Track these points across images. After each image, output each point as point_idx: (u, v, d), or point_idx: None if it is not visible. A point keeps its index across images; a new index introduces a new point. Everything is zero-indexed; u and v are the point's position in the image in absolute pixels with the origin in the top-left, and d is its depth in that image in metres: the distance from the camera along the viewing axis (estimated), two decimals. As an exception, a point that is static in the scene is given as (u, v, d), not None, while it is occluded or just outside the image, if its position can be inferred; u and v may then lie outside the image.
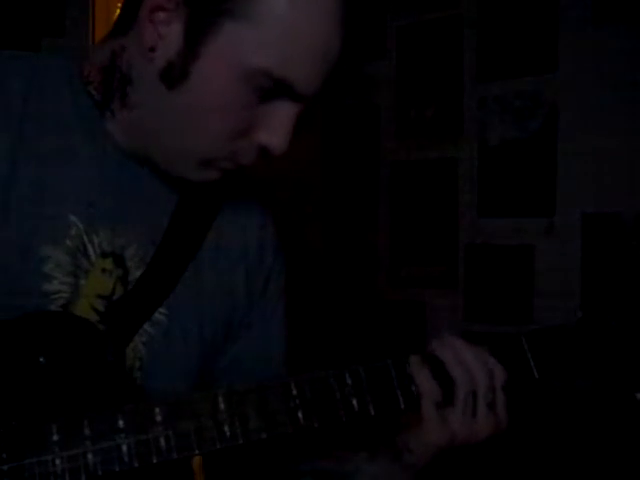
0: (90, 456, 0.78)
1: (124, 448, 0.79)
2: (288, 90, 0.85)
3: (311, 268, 2.90)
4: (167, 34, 0.85)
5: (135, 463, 0.79)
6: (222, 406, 0.83)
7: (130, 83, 0.89)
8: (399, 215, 2.82)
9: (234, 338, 1.03)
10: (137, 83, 0.89)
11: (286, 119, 0.87)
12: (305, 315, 2.74)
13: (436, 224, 2.72)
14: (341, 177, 2.96)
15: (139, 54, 0.87)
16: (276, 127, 0.87)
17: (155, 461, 0.80)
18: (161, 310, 0.94)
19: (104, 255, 0.91)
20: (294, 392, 0.86)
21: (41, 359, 0.82)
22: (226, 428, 0.83)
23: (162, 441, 0.80)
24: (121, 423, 0.80)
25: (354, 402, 0.89)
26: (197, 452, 0.82)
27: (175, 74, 0.85)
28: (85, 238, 0.90)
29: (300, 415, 0.86)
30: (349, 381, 0.89)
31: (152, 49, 0.86)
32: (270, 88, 0.85)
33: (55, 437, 0.78)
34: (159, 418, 0.81)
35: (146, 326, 0.93)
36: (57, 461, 0.78)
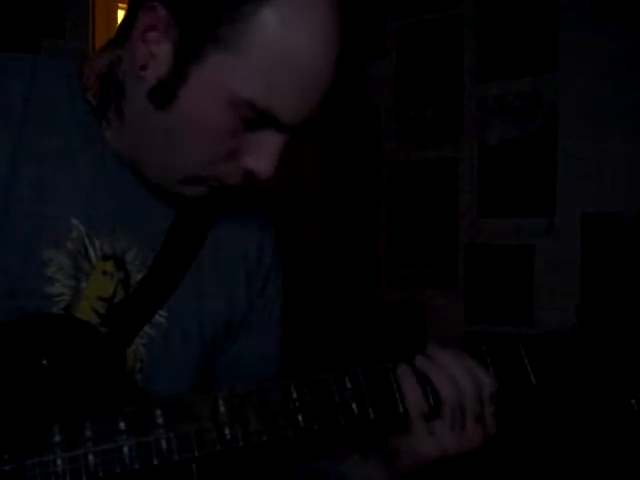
0: (91, 457, 0.78)
1: (125, 450, 0.79)
2: (273, 121, 0.85)
3: (311, 268, 2.90)
4: (158, 53, 0.85)
5: (136, 465, 0.79)
6: (222, 408, 0.83)
7: (123, 96, 0.90)
8: (399, 215, 2.82)
9: (234, 338, 1.03)
10: (130, 98, 0.89)
11: (272, 148, 0.87)
12: (305, 316, 2.74)
13: (436, 224, 2.72)
14: (341, 177, 2.96)
15: (132, 70, 0.87)
16: (261, 155, 0.87)
17: (156, 463, 0.80)
18: (161, 312, 0.94)
19: (105, 258, 0.91)
20: (294, 395, 0.86)
21: (43, 361, 0.82)
22: (226, 430, 0.83)
23: (163, 443, 0.81)
24: (122, 425, 0.80)
25: (354, 406, 0.89)
26: (197, 454, 0.82)
27: (163, 95, 0.85)
28: (86, 241, 0.90)
29: (300, 418, 0.86)
30: (349, 385, 0.89)
31: (143, 67, 0.86)
32: (256, 119, 0.84)
33: (57, 438, 0.78)
34: (160, 420, 0.81)
35: (146, 328, 0.93)
36: (58, 462, 0.78)
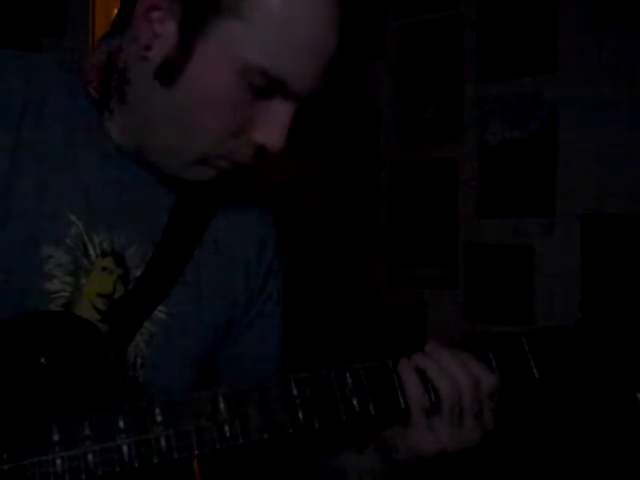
0: (90, 456, 0.78)
1: (124, 448, 0.79)
2: (282, 88, 0.85)
3: (311, 268, 2.90)
4: (162, 32, 0.85)
5: (135, 463, 0.79)
6: (222, 406, 0.83)
7: (127, 82, 0.90)
8: (399, 215, 2.82)
9: (234, 336, 1.03)
10: (134, 82, 0.89)
11: (282, 117, 0.87)
12: (305, 315, 2.74)
13: (436, 224, 2.72)
14: (341, 177, 2.96)
15: (135, 53, 0.87)
16: (272, 125, 0.87)
17: (155, 461, 0.80)
18: (161, 308, 0.94)
19: (104, 254, 0.91)
20: (294, 392, 0.86)
21: (42, 359, 0.82)
22: (226, 428, 0.83)
23: (162, 441, 0.80)
24: (121, 423, 0.80)
25: (354, 402, 0.89)
26: (197, 452, 0.82)
27: (170, 72, 0.85)
28: (85, 237, 0.90)
29: (300, 415, 0.86)
30: (349, 381, 0.89)
31: (148, 48, 0.86)
32: (264, 86, 0.84)
33: (56, 437, 0.78)
34: (159, 418, 0.81)
35: (147, 324, 0.93)
36: (58, 461, 0.78)
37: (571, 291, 2.38)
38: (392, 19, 2.82)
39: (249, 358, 1.04)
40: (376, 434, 0.95)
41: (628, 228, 2.32)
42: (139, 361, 0.92)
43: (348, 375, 0.89)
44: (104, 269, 0.91)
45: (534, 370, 0.95)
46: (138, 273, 0.92)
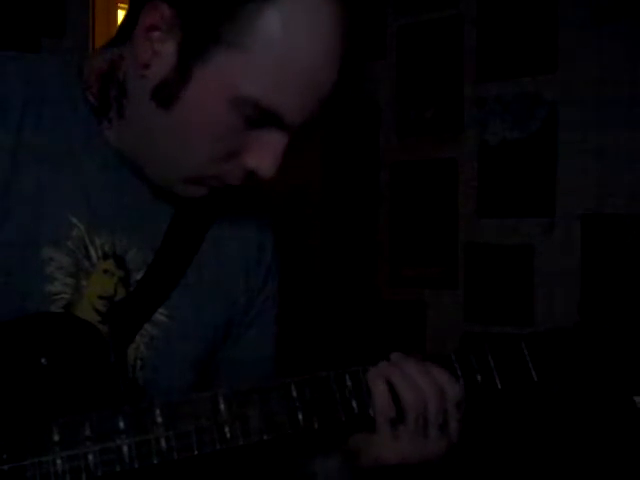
0: (90, 457, 0.78)
1: (125, 449, 0.79)
2: (276, 120, 0.85)
3: (311, 268, 2.90)
4: (161, 52, 0.85)
5: (135, 464, 0.79)
6: (222, 407, 0.83)
7: (125, 95, 0.90)
8: (399, 215, 2.82)
9: (234, 337, 1.03)
10: (132, 97, 0.89)
11: (275, 147, 0.87)
12: (305, 315, 2.74)
13: (436, 224, 2.72)
14: (341, 177, 2.96)
15: (134, 70, 0.87)
16: (264, 154, 0.87)
17: (155, 462, 0.80)
18: (162, 311, 0.94)
19: (105, 257, 0.91)
20: (294, 393, 0.86)
21: (42, 360, 0.82)
22: (226, 429, 0.83)
23: (162, 442, 0.81)
24: (122, 424, 0.80)
25: (354, 404, 0.89)
26: (197, 453, 0.82)
27: (167, 94, 0.85)
28: (87, 240, 0.90)
29: (300, 416, 0.86)
30: (349, 382, 0.89)
31: (146, 66, 0.86)
32: (259, 117, 0.84)
33: (56, 437, 0.78)
34: (159, 419, 0.81)
35: (147, 326, 0.93)
36: (58, 461, 0.78)
37: (571, 291, 2.38)
38: (392, 19, 2.82)
39: (248, 359, 1.04)
40: (344, 439, 0.95)
41: (628, 228, 2.32)
42: (139, 363, 0.92)
43: (348, 377, 0.89)
44: (105, 271, 0.91)
45: (533, 373, 0.95)
46: (139, 276, 0.93)
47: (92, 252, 0.90)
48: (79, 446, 0.78)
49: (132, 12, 0.89)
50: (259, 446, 0.85)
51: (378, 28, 2.84)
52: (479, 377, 0.94)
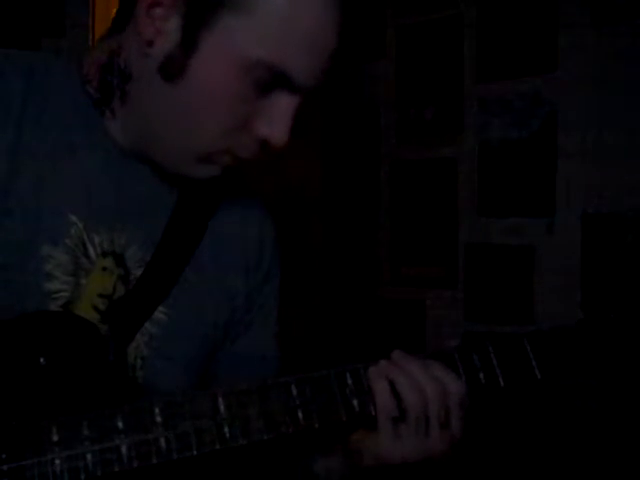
0: (89, 456, 0.78)
1: (124, 449, 0.79)
2: (287, 82, 0.85)
3: (311, 267, 2.90)
4: (165, 29, 0.85)
5: (135, 464, 0.79)
6: (222, 407, 0.83)
7: (129, 80, 0.90)
8: (399, 215, 2.81)
9: (234, 337, 1.03)
10: (136, 79, 0.89)
11: (286, 111, 0.87)
12: (305, 314, 2.74)
13: (436, 224, 2.72)
14: (341, 177, 2.96)
15: (137, 50, 0.87)
16: (276, 119, 0.87)
17: (155, 462, 0.80)
18: (162, 309, 0.94)
19: (104, 254, 0.91)
20: (294, 392, 0.86)
21: (41, 359, 0.82)
22: (226, 429, 0.83)
23: (162, 442, 0.80)
24: (121, 424, 0.80)
25: (354, 402, 0.89)
26: (196, 453, 0.82)
27: (174, 68, 0.85)
28: (85, 237, 0.90)
29: (300, 415, 0.86)
30: (350, 381, 0.89)
31: (150, 44, 0.86)
32: (268, 80, 0.85)
33: (55, 437, 0.78)
34: (159, 419, 0.81)
35: (147, 325, 0.93)
36: (57, 461, 0.78)
37: (571, 291, 2.38)
38: (392, 19, 2.82)
39: (249, 359, 1.04)
40: (344, 437, 0.95)
41: (628, 228, 2.31)
42: (139, 362, 0.92)
43: (348, 375, 0.89)
44: (104, 269, 0.91)
45: (536, 371, 0.95)
46: (138, 273, 0.92)
47: (91, 250, 0.90)
48: (78, 446, 0.78)
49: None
50: (259, 446, 0.85)
51: (378, 28, 2.84)
52: (482, 375, 0.94)
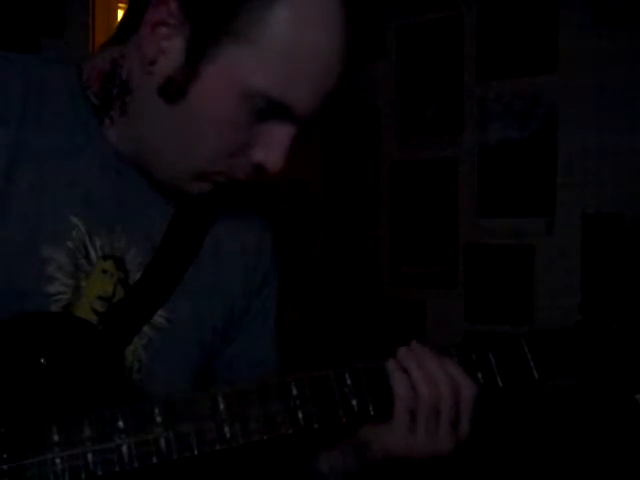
0: (90, 456, 0.78)
1: (124, 449, 0.79)
2: (286, 112, 0.85)
3: (311, 267, 2.90)
4: (168, 49, 0.84)
5: (135, 464, 0.79)
6: (222, 407, 0.83)
7: (129, 93, 0.89)
8: (399, 215, 2.82)
9: (232, 340, 1.03)
10: (136, 93, 0.89)
11: (283, 139, 0.87)
12: (306, 314, 2.74)
13: (436, 224, 2.72)
14: (341, 177, 2.96)
15: (139, 65, 0.87)
16: (273, 146, 0.87)
17: (155, 462, 0.80)
18: (161, 313, 0.94)
19: (105, 257, 0.91)
20: (294, 392, 0.86)
21: (42, 360, 0.82)
22: (226, 429, 0.83)
23: (162, 442, 0.80)
24: (121, 424, 0.80)
25: (354, 402, 0.89)
26: (197, 453, 0.82)
27: (174, 90, 0.85)
28: (86, 240, 0.89)
29: (300, 416, 0.86)
30: (349, 381, 0.89)
31: (152, 62, 0.85)
32: (268, 110, 0.84)
33: (55, 437, 0.78)
34: (159, 419, 0.81)
35: (146, 329, 0.92)
36: (57, 461, 0.78)
37: (571, 291, 2.38)
38: (392, 19, 2.82)
39: (246, 364, 1.03)
40: (351, 431, 0.95)
41: (628, 228, 2.32)
42: (136, 365, 0.92)
43: (347, 376, 0.89)
44: (105, 272, 0.91)
45: (534, 371, 0.95)
46: (138, 277, 0.92)
47: (92, 252, 0.90)
48: (79, 446, 0.78)
49: (133, 9, 0.89)
50: (262, 445, 0.85)
51: (378, 28, 2.84)
52: (480, 375, 0.94)
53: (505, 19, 2.57)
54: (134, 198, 0.93)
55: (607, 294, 2.29)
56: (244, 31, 0.81)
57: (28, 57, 0.95)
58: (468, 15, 2.64)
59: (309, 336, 2.76)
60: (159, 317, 0.93)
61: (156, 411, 0.81)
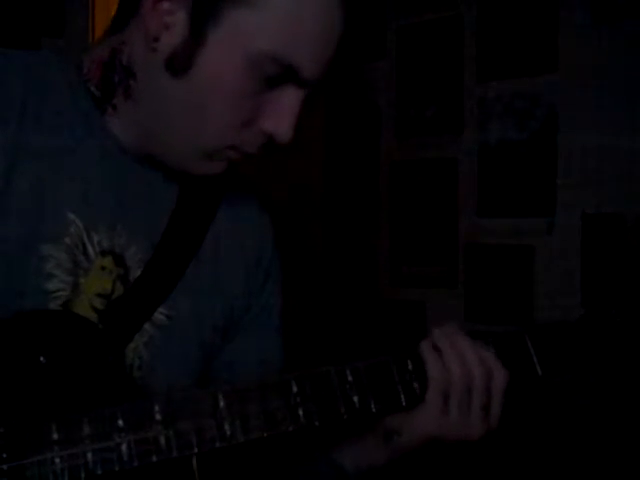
0: (90, 455, 0.78)
1: (124, 447, 0.79)
2: (293, 75, 0.85)
3: (312, 268, 2.90)
4: (172, 23, 0.85)
5: (135, 462, 0.79)
6: (222, 404, 0.83)
7: (133, 76, 0.89)
8: (399, 215, 2.82)
9: (232, 338, 1.03)
10: (141, 75, 0.89)
11: (292, 105, 0.87)
12: (306, 314, 2.74)
13: (436, 224, 2.72)
14: (341, 177, 2.96)
15: (142, 45, 0.87)
16: (282, 114, 0.87)
17: (155, 460, 0.80)
18: (161, 310, 0.93)
19: (103, 253, 0.90)
20: (295, 389, 0.86)
21: (41, 358, 0.81)
22: (226, 427, 0.82)
23: (162, 440, 0.80)
24: (121, 422, 0.80)
25: (355, 399, 0.89)
26: (197, 451, 0.82)
27: (180, 62, 0.85)
28: (84, 236, 0.89)
29: (301, 413, 0.85)
30: (350, 378, 0.89)
31: (156, 39, 0.85)
32: (275, 74, 0.85)
33: (55, 436, 0.78)
34: (159, 417, 0.81)
35: (146, 326, 0.92)
36: (57, 460, 0.77)
37: (571, 291, 2.38)
38: (392, 19, 2.82)
39: (247, 359, 1.03)
40: (375, 421, 0.95)
41: (628, 228, 2.32)
42: (137, 362, 0.92)
43: (348, 372, 0.89)
44: (103, 269, 0.90)
45: (537, 367, 0.95)
46: (138, 273, 0.92)
47: (90, 249, 0.90)
48: (78, 444, 0.78)
49: None
50: (261, 443, 0.85)
51: (378, 28, 2.84)
52: None
53: (505, 19, 2.56)
54: (135, 193, 0.93)
55: (607, 294, 2.29)
56: None
57: (27, 54, 0.95)
58: (468, 15, 2.64)
59: (309, 336, 2.76)
60: (159, 314, 0.93)
61: (156, 409, 0.81)
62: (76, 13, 2.35)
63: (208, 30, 0.83)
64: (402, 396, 0.91)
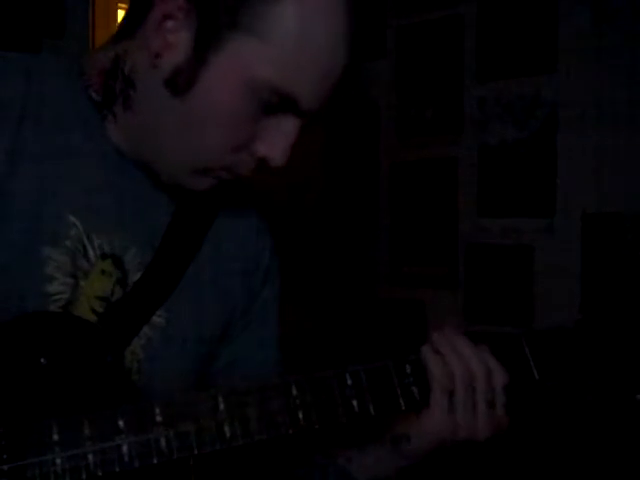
0: (90, 456, 0.78)
1: (124, 448, 0.79)
2: (292, 105, 0.85)
3: (311, 267, 2.90)
4: (175, 42, 0.84)
5: (135, 463, 0.79)
6: (222, 406, 0.83)
7: (133, 87, 0.89)
8: (399, 215, 2.82)
9: (230, 340, 1.03)
10: (140, 87, 0.89)
11: (288, 133, 0.87)
12: (305, 314, 2.74)
13: (436, 224, 2.72)
14: (341, 177, 2.96)
15: (144, 59, 0.87)
16: (277, 141, 0.87)
17: (155, 461, 0.80)
18: (160, 313, 0.93)
19: (104, 256, 0.91)
20: (294, 392, 0.86)
21: (42, 359, 0.82)
22: (226, 429, 0.83)
23: (162, 441, 0.80)
24: (121, 423, 0.80)
25: (354, 403, 0.89)
26: (197, 452, 0.82)
27: (181, 82, 0.85)
28: (85, 239, 0.89)
29: (300, 416, 0.86)
30: (349, 382, 0.89)
31: (158, 56, 0.85)
32: (273, 102, 0.85)
33: (55, 437, 0.78)
34: (159, 418, 0.81)
35: (145, 329, 0.92)
36: (57, 461, 0.77)
37: (571, 291, 2.38)
38: (392, 19, 2.82)
39: (246, 363, 1.03)
40: (383, 427, 0.96)
41: (628, 228, 2.32)
42: (136, 365, 0.92)
43: (348, 376, 0.89)
44: (103, 272, 0.90)
45: (534, 371, 0.95)
46: (137, 277, 0.92)
47: (90, 252, 0.90)
48: (79, 446, 0.78)
49: (137, 5, 0.88)
50: (261, 446, 0.85)
51: (378, 28, 2.84)
52: None
53: (505, 19, 2.57)
54: (135, 196, 0.93)
55: (607, 294, 2.29)
56: (251, 24, 0.82)
57: (28, 57, 0.95)
58: (468, 15, 2.64)
59: (309, 336, 2.76)
60: (158, 317, 0.93)
61: (156, 411, 0.81)
62: (76, 13, 2.35)
63: (210, 53, 0.83)
64: (401, 400, 0.91)
